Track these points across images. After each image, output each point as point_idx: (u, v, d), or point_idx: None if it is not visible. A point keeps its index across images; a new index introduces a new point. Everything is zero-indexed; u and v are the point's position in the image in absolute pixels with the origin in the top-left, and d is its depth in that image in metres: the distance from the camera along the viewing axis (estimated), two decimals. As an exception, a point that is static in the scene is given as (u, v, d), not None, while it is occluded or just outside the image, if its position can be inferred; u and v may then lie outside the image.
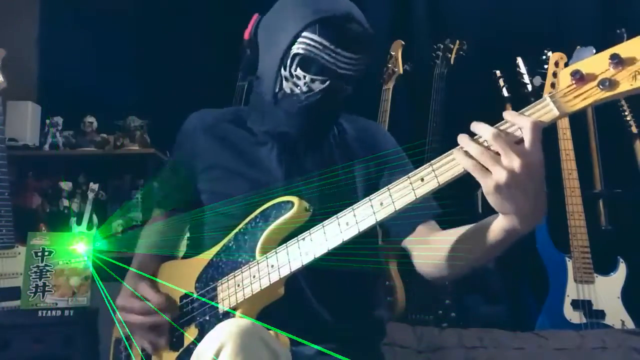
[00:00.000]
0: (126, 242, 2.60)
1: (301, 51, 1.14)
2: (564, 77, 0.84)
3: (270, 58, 1.19)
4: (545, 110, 0.84)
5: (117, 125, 2.74)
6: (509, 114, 0.85)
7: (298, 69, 1.15)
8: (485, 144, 0.85)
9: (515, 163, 0.82)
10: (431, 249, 1.13)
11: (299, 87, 1.17)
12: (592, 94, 0.82)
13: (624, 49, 0.81)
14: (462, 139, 0.87)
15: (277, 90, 1.19)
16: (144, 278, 1.28)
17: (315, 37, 1.13)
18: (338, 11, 1.13)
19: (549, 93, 0.86)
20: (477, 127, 0.87)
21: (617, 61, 0.80)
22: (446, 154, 0.90)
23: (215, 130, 1.31)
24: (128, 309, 1.20)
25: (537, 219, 0.89)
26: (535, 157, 0.83)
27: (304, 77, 1.16)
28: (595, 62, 0.83)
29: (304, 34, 1.13)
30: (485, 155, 0.84)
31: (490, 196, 0.86)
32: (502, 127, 0.86)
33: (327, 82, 1.15)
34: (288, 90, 1.18)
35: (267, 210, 1.12)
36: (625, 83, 0.80)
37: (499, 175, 0.83)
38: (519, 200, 0.85)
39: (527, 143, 0.83)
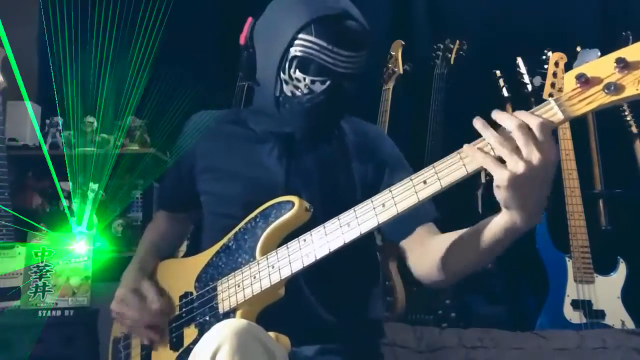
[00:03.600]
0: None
1: (299, 53, 1.12)
2: (569, 80, 0.83)
3: (268, 62, 1.18)
4: (549, 114, 0.83)
5: (117, 125, 2.74)
6: (520, 113, 0.83)
7: (297, 71, 1.14)
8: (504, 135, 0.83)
9: (535, 156, 0.80)
10: (428, 252, 1.12)
11: (299, 90, 1.15)
12: (597, 98, 0.81)
13: (629, 53, 0.80)
14: (479, 122, 0.85)
15: (277, 94, 1.17)
16: (147, 276, 1.28)
17: (312, 38, 1.11)
18: (333, 9, 1.11)
19: (554, 97, 0.84)
20: (500, 116, 0.84)
21: (623, 65, 0.79)
22: (449, 156, 0.90)
23: (215, 131, 1.31)
24: (127, 303, 1.21)
25: (539, 216, 0.88)
26: (552, 155, 0.82)
27: (304, 79, 1.14)
28: (600, 66, 0.81)
29: (300, 35, 1.12)
30: (505, 144, 0.82)
31: (502, 188, 0.84)
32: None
33: (328, 83, 1.13)
34: (289, 93, 1.16)
35: (267, 209, 1.12)
36: (631, 87, 0.79)
37: (517, 166, 0.81)
38: (528, 195, 0.84)
39: (542, 141, 0.81)
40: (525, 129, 0.81)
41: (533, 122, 0.81)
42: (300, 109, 1.16)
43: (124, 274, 1.30)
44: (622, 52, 0.80)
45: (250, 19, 1.24)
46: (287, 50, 1.13)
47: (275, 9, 1.19)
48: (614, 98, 0.80)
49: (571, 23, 2.68)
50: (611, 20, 2.66)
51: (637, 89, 0.78)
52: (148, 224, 1.48)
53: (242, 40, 1.24)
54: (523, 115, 0.83)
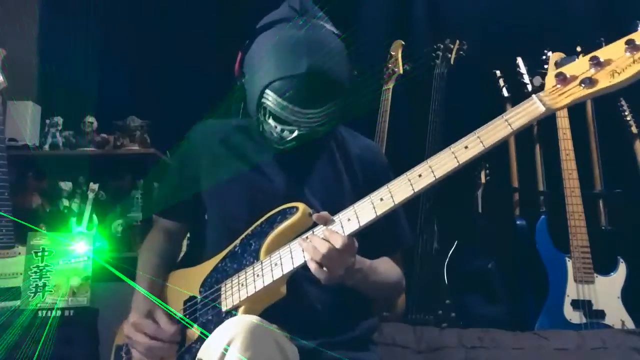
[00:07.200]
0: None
1: (267, 105, 1.20)
2: (549, 80, 0.95)
3: (250, 101, 1.25)
4: (532, 108, 0.94)
5: (117, 125, 2.74)
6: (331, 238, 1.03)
7: (270, 118, 1.21)
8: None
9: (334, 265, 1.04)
10: None
11: (272, 134, 1.23)
12: (575, 92, 0.92)
13: (602, 52, 0.91)
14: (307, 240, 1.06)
15: (260, 129, 1.26)
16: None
17: (275, 96, 1.18)
18: (296, 70, 1.16)
19: (536, 93, 0.96)
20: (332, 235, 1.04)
21: (596, 62, 0.90)
22: (441, 151, 0.99)
23: (220, 141, 1.34)
24: (141, 329, 1.19)
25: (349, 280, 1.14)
26: (348, 262, 1.08)
27: (275, 127, 1.21)
28: (577, 65, 0.94)
29: (267, 91, 1.18)
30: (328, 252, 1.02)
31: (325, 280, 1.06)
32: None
33: (296, 132, 1.20)
34: (267, 134, 1.24)
35: (273, 215, 1.16)
36: (604, 80, 0.90)
37: (321, 273, 1.04)
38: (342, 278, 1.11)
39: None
40: (331, 250, 1.02)
41: (337, 243, 1.02)
42: (276, 149, 1.26)
43: (133, 298, 1.27)
44: (595, 53, 0.91)
45: (240, 53, 1.29)
46: (260, 98, 1.20)
47: (256, 51, 1.24)
48: (590, 90, 0.91)
49: (571, 23, 2.67)
50: (611, 20, 2.66)
51: (610, 81, 0.89)
52: (143, 244, 1.44)
53: (236, 71, 1.30)
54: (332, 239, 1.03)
